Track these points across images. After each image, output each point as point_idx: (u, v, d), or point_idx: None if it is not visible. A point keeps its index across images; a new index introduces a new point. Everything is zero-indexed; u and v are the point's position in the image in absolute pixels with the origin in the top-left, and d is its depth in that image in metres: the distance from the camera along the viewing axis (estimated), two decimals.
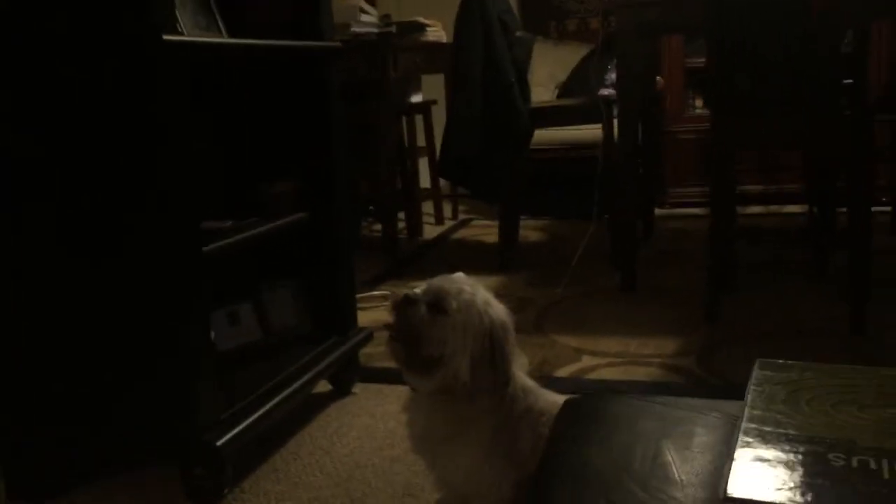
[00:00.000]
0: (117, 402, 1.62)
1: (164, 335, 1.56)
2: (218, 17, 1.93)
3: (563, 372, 2.25)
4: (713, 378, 2.15)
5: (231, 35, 1.93)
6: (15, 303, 1.61)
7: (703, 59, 3.93)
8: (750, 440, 0.75)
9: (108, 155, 1.52)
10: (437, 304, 1.24)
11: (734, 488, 0.68)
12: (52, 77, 1.50)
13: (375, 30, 3.46)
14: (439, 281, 1.29)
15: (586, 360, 2.32)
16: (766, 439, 0.75)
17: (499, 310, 1.27)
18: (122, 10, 1.45)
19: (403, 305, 1.25)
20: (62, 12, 1.48)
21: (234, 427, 1.60)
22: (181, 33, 1.71)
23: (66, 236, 1.56)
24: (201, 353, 1.58)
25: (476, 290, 1.27)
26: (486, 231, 4.15)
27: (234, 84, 2.10)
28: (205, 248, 1.59)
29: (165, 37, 1.46)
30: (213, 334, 1.75)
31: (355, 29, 3.33)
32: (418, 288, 1.29)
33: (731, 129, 2.48)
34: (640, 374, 2.21)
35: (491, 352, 1.23)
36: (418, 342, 1.24)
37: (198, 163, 1.59)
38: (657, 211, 4.01)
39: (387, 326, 1.27)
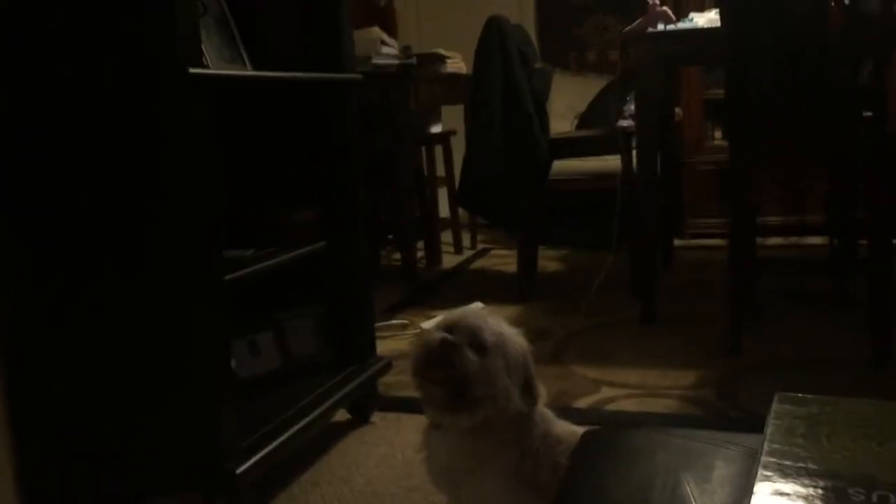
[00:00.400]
0: (138, 431, 1.63)
1: (185, 363, 1.57)
2: (242, 49, 1.97)
3: (581, 403, 2.24)
4: (733, 410, 2.13)
5: (254, 66, 1.97)
6: (37, 330, 1.63)
7: (722, 91, 3.95)
8: (769, 474, 0.74)
9: (133, 184, 1.54)
10: (477, 343, 1.24)
11: None
12: (81, 108, 1.54)
13: (396, 61, 3.50)
14: (462, 315, 1.29)
15: (605, 392, 2.31)
16: (785, 473, 0.75)
17: (514, 331, 1.31)
18: (149, 42, 1.48)
19: (447, 352, 1.23)
20: (90, 45, 1.51)
21: (254, 454, 1.61)
22: (206, 66, 1.74)
23: (90, 266, 1.58)
24: (222, 382, 1.59)
25: (499, 322, 1.30)
26: (504, 260, 4.16)
27: (255, 113, 2.13)
28: (226, 277, 1.61)
29: (191, 70, 1.49)
30: (233, 362, 1.77)
31: (376, 61, 3.37)
32: (434, 320, 1.31)
33: (751, 162, 2.48)
34: (658, 406, 2.20)
35: (528, 377, 1.27)
36: (470, 386, 1.23)
37: (220, 192, 1.61)
38: (676, 242, 4.00)
39: (425, 376, 1.25)
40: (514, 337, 1.30)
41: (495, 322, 1.29)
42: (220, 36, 1.92)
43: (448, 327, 1.26)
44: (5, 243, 1.61)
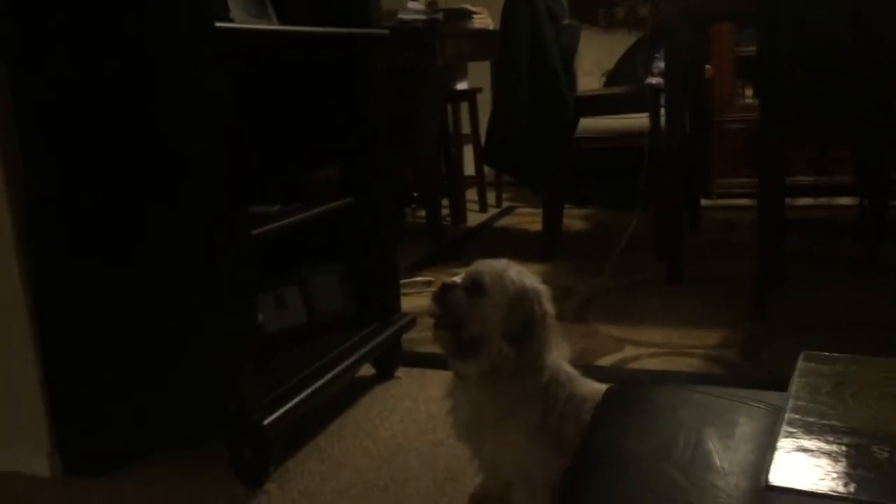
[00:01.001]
0: (167, 382, 1.67)
1: (212, 317, 1.59)
2: (269, 5, 1.95)
3: (604, 361, 2.25)
4: (756, 370, 2.13)
5: (280, 22, 1.96)
6: (72, 283, 1.66)
7: (753, 48, 3.88)
8: (793, 430, 0.75)
9: (160, 139, 1.55)
10: (474, 286, 1.28)
11: (776, 477, 0.68)
12: (105, 62, 1.54)
13: (422, 17, 3.47)
14: (476, 265, 1.33)
15: (628, 350, 2.32)
16: (809, 430, 0.75)
17: (531, 279, 1.32)
18: None
19: (442, 293, 1.29)
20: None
21: (279, 407, 1.64)
22: (231, 20, 1.73)
23: (121, 219, 1.60)
24: (248, 335, 1.62)
25: (509, 266, 1.31)
26: (529, 219, 4.15)
27: (281, 70, 2.12)
28: (253, 231, 1.63)
29: (217, 24, 1.48)
30: (260, 317, 1.79)
31: (402, 16, 3.34)
32: (458, 276, 1.32)
33: (781, 123, 2.44)
34: (682, 365, 2.20)
35: (527, 316, 1.26)
36: (460, 325, 1.28)
37: (246, 148, 1.62)
38: (703, 202, 3.96)
39: (431, 315, 1.30)
40: (521, 279, 1.30)
41: (506, 267, 1.30)
42: None
43: (463, 276, 1.31)
44: (50, 197, 1.63)
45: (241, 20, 1.79)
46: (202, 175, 1.54)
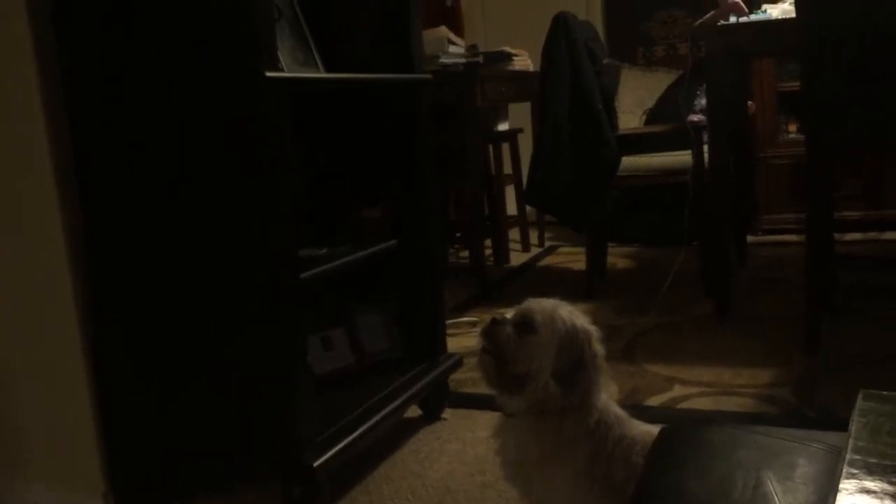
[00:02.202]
0: (220, 422, 1.69)
1: (265, 358, 1.62)
2: (315, 51, 2.01)
3: (654, 401, 2.22)
4: (810, 410, 2.09)
5: (326, 67, 2.00)
6: (126, 328, 1.70)
7: (795, 84, 3.85)
8: (855, 471, 0.73)
9: (214, 184, 1.59)
10: (524, 323, 1.29)
11: None
12: (165, 113, 1.59)
13: (463, 60, 3.51)
14: (527, 303, 1.33)
15: (678, 390, 2.29)
16: (871, 471, 0.74)
17: (583, 320, 1.31)
18: (229, 47, 1.53)
19: (491, 327, 1.31)
20: (173, 52, 1.57)
21: (330, 448, 1.65)
22: (281, 69, 1.78)
23: (174, 264, 1.64)
24: (300, 376, 1.63)
25: (559, 304, 1.31)
26: (572, 258, 4.14)
27: (329, 113, 2.17)
28: (302, 275, 1.65)
29: (268, 73, 1.53)
30: (307, 358, 1.81)
31: (443, 60, 3.39)
32: (508, 313, 1.32)
33: (827, 152, 2.42)
34: (733, 404, 2.16)
35: (577, 358, 1.26)
36: (506, 361, 1.28)
37: (296, 189, 1.65)
38: (749, 238, 3.92)
39: (482, 349, 1.30)
40: (573, 319, 1.29)
41: (558, 306, 1.31)
42: (294, 38, 1.96)
43: (513, 314, 1.32)
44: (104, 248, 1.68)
45: (289, 69, 1.84)
46: (256, 221, 1.57)
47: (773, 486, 0.80)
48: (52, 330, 1.73)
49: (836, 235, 3.17)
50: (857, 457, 0.76)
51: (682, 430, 1.04)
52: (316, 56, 2.01)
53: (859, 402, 0.88)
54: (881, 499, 0.70)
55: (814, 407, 2.10)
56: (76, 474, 1.78)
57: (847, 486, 0.72)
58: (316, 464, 1.59)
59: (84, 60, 1.62)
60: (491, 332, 1.30)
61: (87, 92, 1.63)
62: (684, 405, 2.19)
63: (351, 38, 2.17)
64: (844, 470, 0.74)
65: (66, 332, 1.71)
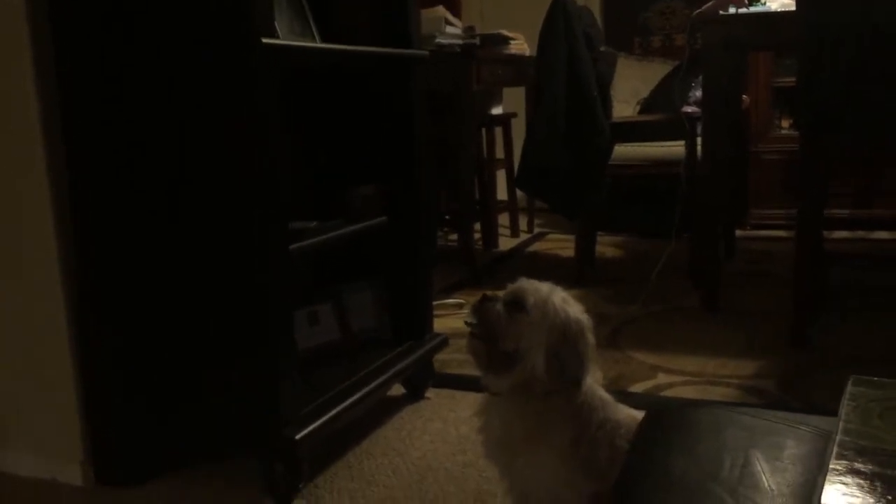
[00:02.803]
0: (201, 395, 1.67)
1: (249, 331, 1.60)
2: (313, 24, 1.98)
3: (637, 388, 2.22)
4: (794, 401, 2.09)
5: (323, 41, 1.98)
6: (110, 293, 1.68)
7: (791, 79, 3.85)
8: (846, 453, 0.73)
9: (202, 151, 1.57)
10: (515, 302, 1.28)
11: (829, 500, 0.67)
12: (156, 75, 1.57)
13: (459, 41, 3.49)
14: (519, 283, 1.32)
15: (662, 378, 2.29)
16: (862, 453, 0.73)
17: (576, 308, 1.30)
18: (225, 13, 1.50)
19: (482, 304, 1.30)
20: (169, 15, 1.54)
21: (311, 423, 1.63)
22: (278, 37, 1.76)
23: (163, 225, 1.62)
24: (284, 350, 1.62)
25: (554, 289, 1.29)
26: (561, 245, 4.13)
27: (323, 89, 2.14)
28: (291, 247, 1.64)
29: (264, 40, 1.50)
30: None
31: (440, 40, 3.36)
32: (500, 292, 1.31)
33: (821, 149, 2.41)
34: (717, 394, 2.16)
35: (563, 346, 1.25)
36: (496, 338, 1.27)
37: (287, 164, 1.63)
38: (738, 232, 3.92)
39: (468, 324, 1.29)
40: (566, 307, 1.28)
41: (552, 291, 1.29)
42: (291, 9, 1.93)
43: (504, 292, 1.31)
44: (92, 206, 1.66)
45: (286, 38, 1.82)
46: (244, 189, 1.55)
47: (761, 466, 0.80)
48: (33, 296, 1.71)
49: (825, 233, 3.17)
50: (848, 438, 0.76)
51: (669, 410, 1.03)
52: (314, 29, 1.98)
53: (850, 387, 0.88)
54: (871, 480, 0.69)
55: (799, 399, 2.10)
56: (55, 442, 1.76)
57: (837, 466, 0.71)
58: (297, 437, 1.58)
59: (78, 39, 1.59)
60: (481, 309, 1.29)
61: (78, 60, 1.61)
62: (668, 393, 2.19)
63: (349, 13, 2.14)
64: (835, 451, 0.74)
65: (49, 299, 1.69)
